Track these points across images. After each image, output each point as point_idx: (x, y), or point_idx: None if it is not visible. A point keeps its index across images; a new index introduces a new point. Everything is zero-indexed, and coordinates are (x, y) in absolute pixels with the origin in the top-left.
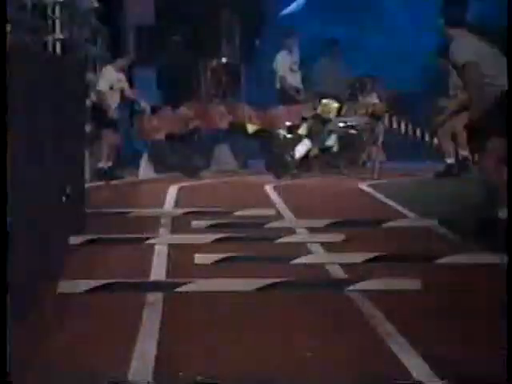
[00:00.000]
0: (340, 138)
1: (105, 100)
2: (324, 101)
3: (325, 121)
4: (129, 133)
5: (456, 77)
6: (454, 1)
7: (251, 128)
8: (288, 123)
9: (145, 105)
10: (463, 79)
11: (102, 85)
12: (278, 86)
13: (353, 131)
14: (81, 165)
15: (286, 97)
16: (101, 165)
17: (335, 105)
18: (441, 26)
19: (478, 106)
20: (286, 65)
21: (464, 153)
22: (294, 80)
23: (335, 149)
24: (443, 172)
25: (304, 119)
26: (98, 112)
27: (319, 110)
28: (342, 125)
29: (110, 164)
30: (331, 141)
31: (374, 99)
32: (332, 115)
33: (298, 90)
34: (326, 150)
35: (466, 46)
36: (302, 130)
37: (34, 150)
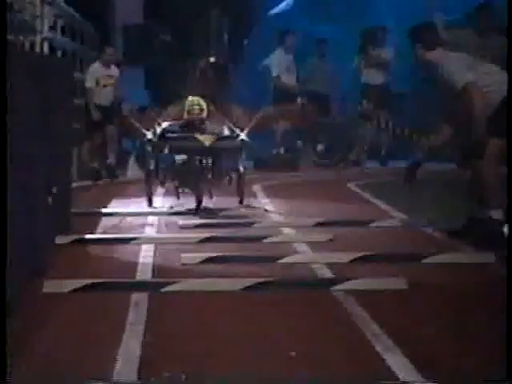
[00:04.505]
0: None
1: (92, 98)
2: (190, 98)
3: (201, 126)
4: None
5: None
6: (426, 25)
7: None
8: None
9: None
10: (463, 101)
11: (88, 81)
12: (272, 85)
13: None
14: (67, 165)
15: (280, 97)
16: (91, 164)
17: (203, 102)
18: (417, 53)
19: (482, 126)
20: (282, 64)
21: None
22: (290, 80)
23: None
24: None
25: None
26: (91, 110)
27: (186, 112)
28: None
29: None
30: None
31: (386, 53)
32: (204, 114)
33: (293, 90)
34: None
35: (458, 67)
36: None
37: (21, 150)
